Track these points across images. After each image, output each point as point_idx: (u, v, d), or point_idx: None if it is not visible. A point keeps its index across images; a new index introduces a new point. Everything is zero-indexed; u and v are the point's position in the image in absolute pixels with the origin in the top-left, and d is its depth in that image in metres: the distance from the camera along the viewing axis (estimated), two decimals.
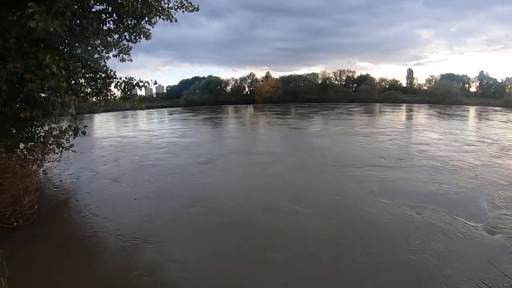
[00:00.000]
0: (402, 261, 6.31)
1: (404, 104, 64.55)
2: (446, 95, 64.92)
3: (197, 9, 8.57)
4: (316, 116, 40.84)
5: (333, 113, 43.70)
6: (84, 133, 6.48)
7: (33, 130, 8.84)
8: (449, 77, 72.40)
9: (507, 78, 69.12)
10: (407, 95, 75.35)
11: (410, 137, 21.68)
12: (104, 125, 38.98)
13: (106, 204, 10.06)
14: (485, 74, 72.24)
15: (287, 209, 9.16)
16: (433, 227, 7.67)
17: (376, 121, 33.14)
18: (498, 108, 50.63)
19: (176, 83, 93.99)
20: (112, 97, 8.16)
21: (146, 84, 8.19)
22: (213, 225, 8.37)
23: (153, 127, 36.16)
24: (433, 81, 77.09)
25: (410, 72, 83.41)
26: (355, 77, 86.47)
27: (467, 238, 7.08)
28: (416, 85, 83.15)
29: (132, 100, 8.46)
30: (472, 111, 46.42)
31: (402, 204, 9.05)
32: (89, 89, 7.84)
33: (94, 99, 8.15)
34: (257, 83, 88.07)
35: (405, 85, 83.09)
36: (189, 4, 8.32)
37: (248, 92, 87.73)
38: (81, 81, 7.47)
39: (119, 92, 8.38)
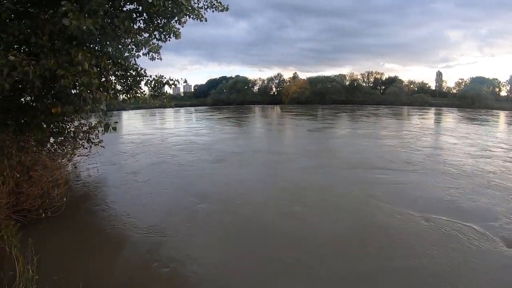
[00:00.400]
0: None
1: (433, 108, 63.13)
2: (476, 99, 63.05)
3: (227, 9, 8.61)
4: (342, 118, 40.43)
5: (360, 115, 43.13)
6: (114, 129, 6.61)
7: (63, 125, 9.05)
8: (479, 80, 70.26)
9: None
10: (436, 98, 73.83)
11: (437, 143, 20.98)
12: (131, 122, 39.53)
13: (127, 198, 10.46)
14: None
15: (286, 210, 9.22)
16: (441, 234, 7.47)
17: (402, 125, 32.27)
18: None
19: (203, 82, 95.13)
20: (142, 95, 8.28)
21: (176, 82, 8.29)
22: (224, 221, 8.57)
23: (180, 125, 36.52)
24: (463, 84, 75.40)
25: (439, 75, 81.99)
26: (383, 79, 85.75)
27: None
28: (445, 88, 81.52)
29: (161, 98, 8.58)
30: (502, 116, 44.81)
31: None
32: (120, 87, 7.97)
33: (124, 96, 8.28)
34: (284, 83, 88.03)
35: (433, 88, 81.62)
36: (219, 4, 8.37)
37: (275, 93, 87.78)
38: (111, 79, 7.61)
39: (149, 90, 8.51)
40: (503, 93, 71.96)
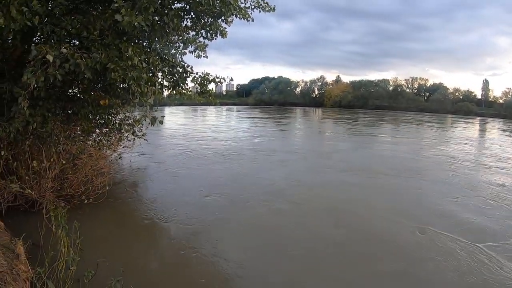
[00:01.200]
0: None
1: (478, 118, 60.33)
2: None
3: (274, 10, 8.61)
4: (385, 125, 39.58)
5: (403, 123, 42.04)
6: (161, 122, 6.79)
7: (109, 117, 9.35)
8: None
9: None
10: (481, 108, 70.78)
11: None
12: (173, 118, 40.22)
13: (166, 191, 10.81)
14: None
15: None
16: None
17: (444, 137, 30.96)
18: None
19: (246, 82, 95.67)
20: (188, 91, 8.44)
21: (222, 80, 8.42)
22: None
23: (220, 123, 36.84)
24: (510, 94, 71.76)
25: (485, 83, 78.28)
26: (428, 85, 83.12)
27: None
28: (491, 97, 77.50)
29: (207, 95, 8.71)
30: None
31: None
32: (166, 82, 8.16)
33: (170, 92, 8.46)
34: (327, 86, 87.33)
35: (479, 96, 77.82)
36: (266, 4, 8.39)
37: (317, 95, 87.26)
38: (159, 74, 7.80)
39: (195, 87, 8.67)
40: None
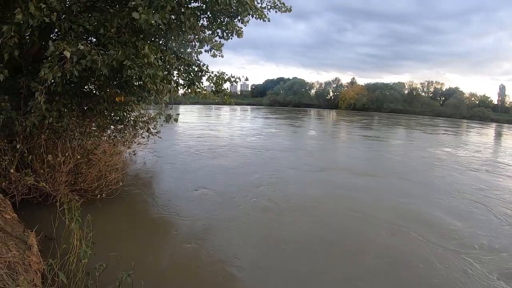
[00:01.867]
0: None
1: (494, 124, 59.60)
2: None
3: (290, 10, 8.59)
4: (400, 130, 39.31)
5: (418, 129, 41.67)
6: (176, 120, 6.82)
7: (124, 114, 9.45)
8: None
9: None
10: (497, 114, 69.78)
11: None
12: (187, 116, 40.39)
13: (179, 189, 10.74)
14: None
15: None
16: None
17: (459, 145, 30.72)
18: None
19: (260, 82, 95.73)
20: (204, 90, 8.46)
21: (237, 79, 8.44)
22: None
23: (234, 123, 36.92)
24: None
25: (502, 88, 76.93)
26: (443, 89, 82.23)
27: None
28: (508, 103, 76.25)
29: (222, 94, 8.73)
30: None
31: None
32: (182, 81, 8.19)
33: (185, 90, 8.49)
34: (342, 88, 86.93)
35: (495, 102, 76.70)
36: (282, 5, 8.38)
37: (332, 97, 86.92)
38: (174, 73, 7.84)
39: (210, 86, 8.70)
40: None
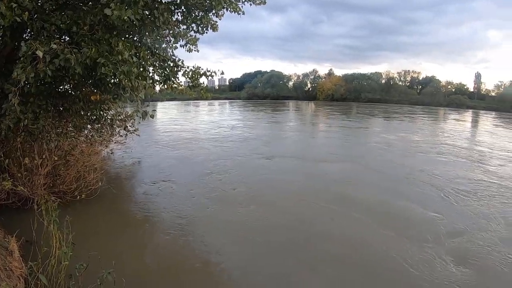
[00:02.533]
0: None
1: (470, 110, 61.05)
2: None
3: (264, 3, 8.56)
4: (376, 118, 40.00)
5: (394, 115, 42.51)
6: (152, 116, 6.78)
7: (101, 112, 9.33)
8: None
9: None
10: (474, 101, 70.71)
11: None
12: (165, 113, 40.20)
13: (157, 187, 10.79)
14: None
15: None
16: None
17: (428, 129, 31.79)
18: None
19: (238, 76, 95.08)
20: (180, 85, 8.41)
21: (213, 73, 8.40)
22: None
23: (211, 118, 36.88)
24: (502, 87, 71.63)
25: (478, 76, 78.07)
26: (420, 78, 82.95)
27: None
28: (483, 90, 77.51)
29: (198, 89, 8.67)
30: None
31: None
32: (158, 77, 8.12)
33: (161, 86, 8.43)
34: (320, 79, 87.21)
35: (472, 89, 77.77)
36: None
37: (310, 89, 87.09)
38: (149, 69, 7.76)
39: (186, 81, 8.64)
40: None
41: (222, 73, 8.64)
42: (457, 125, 34.57)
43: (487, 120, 42.85)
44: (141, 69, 6.92)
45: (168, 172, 12.43)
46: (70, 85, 8.20)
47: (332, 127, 30.35)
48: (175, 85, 8.26)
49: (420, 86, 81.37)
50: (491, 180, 12.34)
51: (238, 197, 10.06)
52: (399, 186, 11.47)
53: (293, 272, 6.24)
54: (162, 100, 52.38)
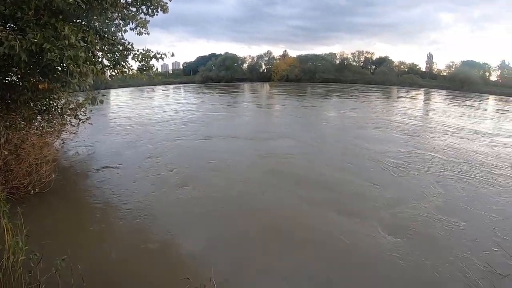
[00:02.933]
0: None
1: (422, 89, 63.53)
2: (465, 82, 62.63)
3: None
4: (329, 98, 40.91)
5: (348, 94, 43.62)
6: (101, 101, 6.63)
7: (50, 102, 8.99)
8: (469, 64, 68.84)
9: None
10: (426, 80, 72.95)
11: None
12: (120, 98, 39.43)
13: (113, 176, 10.98)
14: (507, 63, 67.92)
15: None
16: None
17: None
18: None
19: (192, 60, 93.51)
20: (130, 69, 8.23)
21: (163, 55, 8.26)
22: None
23: (164, 103, 36.43)
24: (453, 67, 73.90)
25: (430, 57, 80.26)
26: (374, 58, 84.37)
27: None
28: (435, 70, 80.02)
29: (149, 72, 8.51)
30: (491, 100, 45.52)
31: None
32: (107, 61, 7.91)
33: (111, 71, 8.22)
34: (274, 61, 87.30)
35: (424, 69, 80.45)
36: None
37: (265, 70, 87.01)
38: (98, 53, 7.54)
39: (136, 64, 8.46)
40: (493, 78, 70.43)
41: (173, 55, 8.48)
42: (406, 103, 36.34)
43: (437, 98, 45.34)
44: (89, 54, 6.71)
45: (116, 159, 12.71)
46: (17, 76, 7.85)
47: (281, 106, 31.77)
48: (125, 69, 8.08)
49: (374, 66, 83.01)
50: (424, 152, 13.64)
51: (176, 177, 10.68)
52: (338, 159, 12.53)
53: (229, 238, 7.07)
54: (114, 87, 50.85)
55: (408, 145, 14.58)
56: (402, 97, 44.28)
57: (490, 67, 70.71)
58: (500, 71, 69.39)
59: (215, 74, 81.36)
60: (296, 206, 8.38)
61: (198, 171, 11.24)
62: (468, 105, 33.41)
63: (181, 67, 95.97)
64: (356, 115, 24.45)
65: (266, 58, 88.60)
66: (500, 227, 7.38)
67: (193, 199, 9.01)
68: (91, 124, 11.85)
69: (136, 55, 8.08)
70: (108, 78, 8.73)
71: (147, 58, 8.19)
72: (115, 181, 10.32)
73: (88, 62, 6.37)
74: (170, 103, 36.03)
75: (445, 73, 76.12)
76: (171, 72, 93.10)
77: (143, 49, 8.14)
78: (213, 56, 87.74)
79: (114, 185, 9.95)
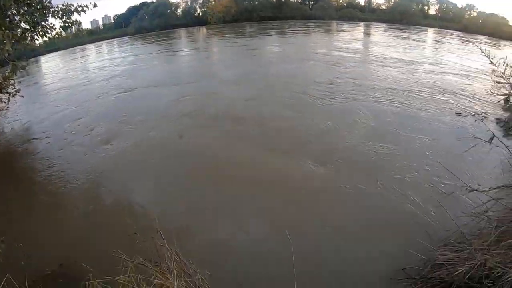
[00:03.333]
0: None
1: (362, 23, 64.52)
2: (404, 16, 64.18)
3: None
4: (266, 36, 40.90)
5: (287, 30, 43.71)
6: (24, 68, 5.97)
7: None
8: None
9: (467, 4, 66.12)
10: (365, 14, 73.35)
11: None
12: (49, 64, 37.48)
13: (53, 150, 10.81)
14: None
15: None
16: None
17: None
18: (456, 33, 50.08)
19: (123, 11, 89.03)
20: (52, 29, 7.52)
21: (84, 8, 7.64)
22: None
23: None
24: (392, 1, 75.08)
25: None
26: None
27: None
28: (374, 4, 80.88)
29: (73, 27, 7.79)
30: (430, 33, 48.07)
31: None
32: (26, 25, 7.13)
33: (33, 34, 7.47)
34: (209, 3, 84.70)
35: (363, 3, 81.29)
36: None
37: (200, 13, 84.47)
38: (16, 18, 6.77)
39: (58, 23, 7.75)
40: (432, 11, 71.50)
41: (95, 5, 7.88)
42: (339, 36, 37.15)
43: (376, 31, 47.99)
44: (5, 19, 5.95)
45: (44, 128, 12.30)
46: None
47: (218, 47, 33.92)
48: (47, 30, 7.36)
49: (312, 2, 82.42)
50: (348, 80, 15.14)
51: (102, 135, 11.21)
52: (268, 93, 13.57)
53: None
54: (43, 54, 47.59)
55: (333, 74, 15.42)
56: (342, 30, 47.19)
57: (429, 1, 71.96)
58: (439, 5, 70.90)
59: (148, 23, 78.01)
60: (223, 144, 8.69)
61: (117, 127, 11.88)
62: (404, 37, 34.53)
63: (112, 21, 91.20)
64: (291, 50, 26.38)
65: (201, 1, 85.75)
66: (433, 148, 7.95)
67: (120, 153, 9.68)
68: (23, 96, 11.08)
69: (56, 12, 7.34)
70: (31, 42, 7.95)
71: (69, 13, 7.48)
72: (47, 152, 10.40)
73: (3, 28, 5.65)
74: (97, 61, 34.21)
75: (384, 7, 76.92)
76: (102, 27, 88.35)
77: (62, 5, 7.36)
78: (144, 5, 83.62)
79: (46, 156, 10.07)
